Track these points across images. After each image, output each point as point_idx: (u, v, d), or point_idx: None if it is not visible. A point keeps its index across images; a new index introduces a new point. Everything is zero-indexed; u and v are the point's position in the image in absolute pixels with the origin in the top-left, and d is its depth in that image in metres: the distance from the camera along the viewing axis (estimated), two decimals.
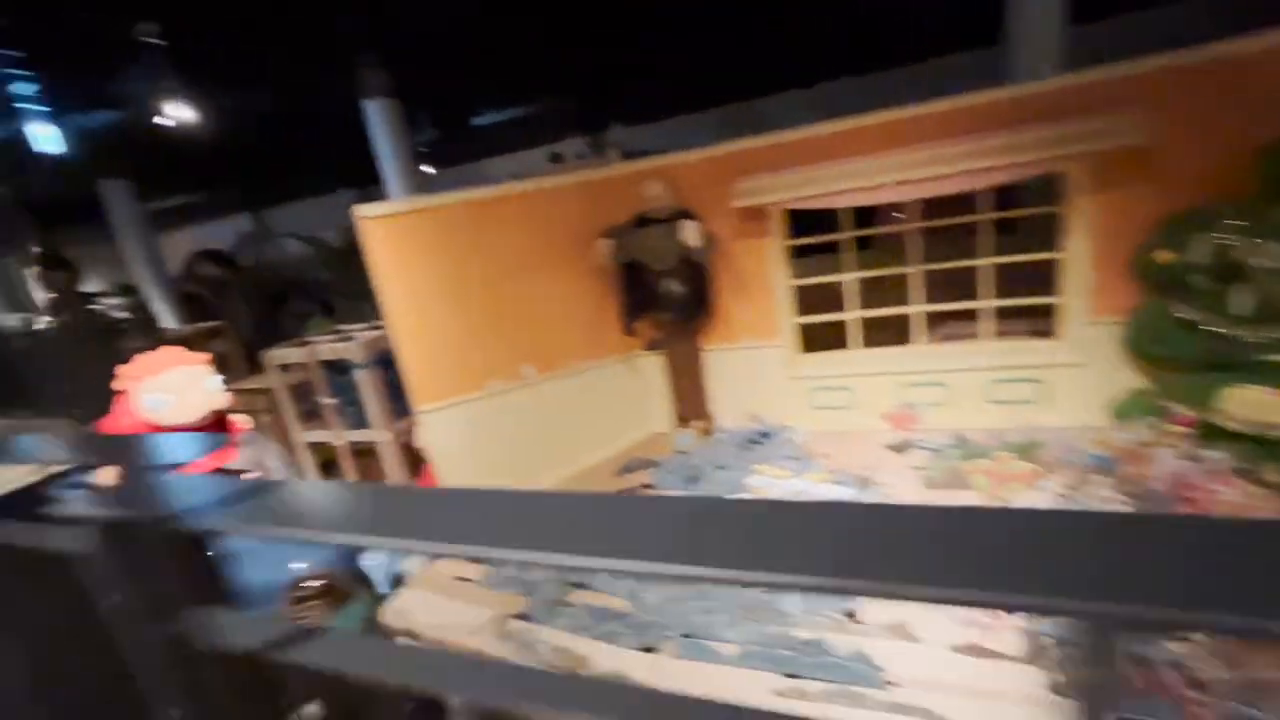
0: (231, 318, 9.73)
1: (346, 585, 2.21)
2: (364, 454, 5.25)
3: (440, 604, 2.59)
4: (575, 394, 3.10)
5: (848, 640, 2.06)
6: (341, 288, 9.57)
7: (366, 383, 4.77)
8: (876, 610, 2.16)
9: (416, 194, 7.45)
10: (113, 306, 9.00)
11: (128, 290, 12.51)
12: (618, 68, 6.75)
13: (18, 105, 5.62)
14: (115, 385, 2.71)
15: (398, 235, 2.64)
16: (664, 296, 2.82)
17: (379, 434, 4.85)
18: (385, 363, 5.04)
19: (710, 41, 6.28)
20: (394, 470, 5.11)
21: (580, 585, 2.59)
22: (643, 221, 2.80)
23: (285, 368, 5.17)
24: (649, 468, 3.12)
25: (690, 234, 2.58)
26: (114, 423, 2.74)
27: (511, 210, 2.80)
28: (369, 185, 14.52)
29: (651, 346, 3.14)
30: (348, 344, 4.72)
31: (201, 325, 7.20)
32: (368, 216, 2.57)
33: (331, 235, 10.45)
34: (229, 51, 5.86)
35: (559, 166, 6.83)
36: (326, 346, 4.94)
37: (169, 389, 2.69)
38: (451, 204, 2.71)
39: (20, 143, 6.59)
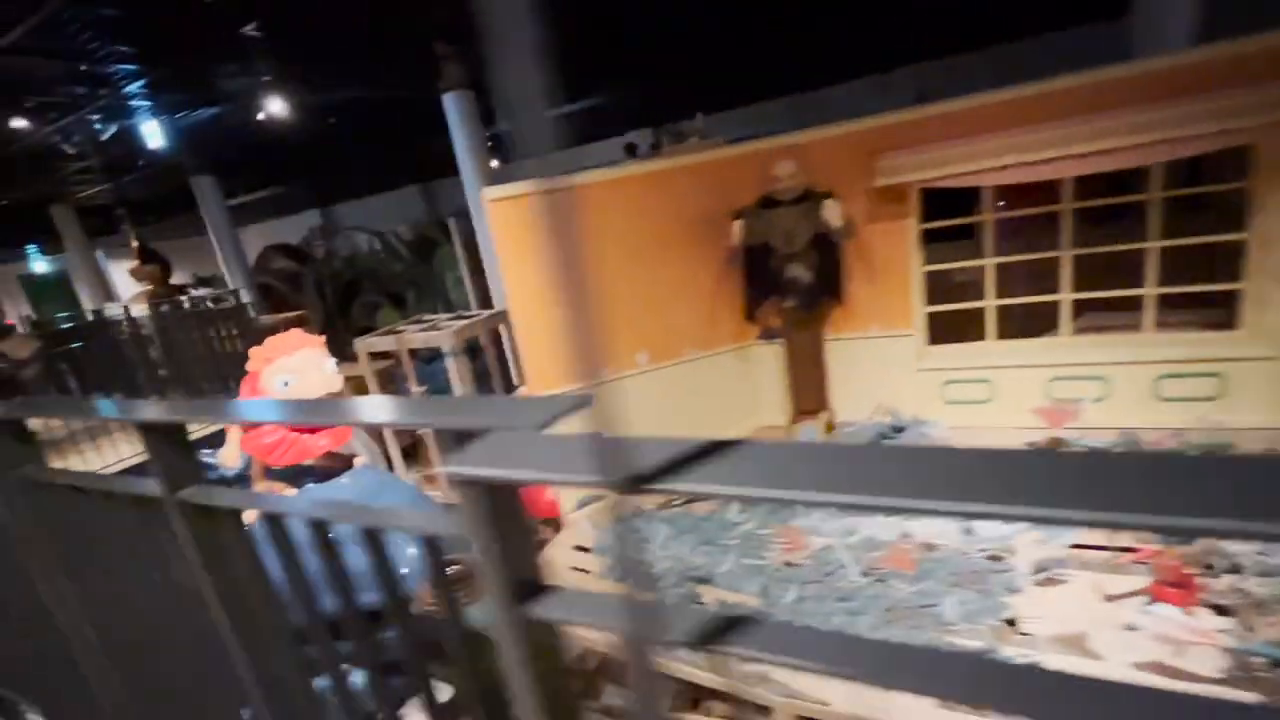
0: (304, 308, 10.08)
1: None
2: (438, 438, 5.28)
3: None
4: (685, 384, 3.01)
5: (1015, 654, 1.90)
6: (412, 279, 9.76)
7: (455, 371, 4.81)
8: (1039, 622, 2.00)
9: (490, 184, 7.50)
10: (202, 297, 9.41)
11: (207, 281, 13.10)
12: (699, 56, 6.63)
13: (123, 103, 5.89)
14: (249, 365, 2.76)
15: (520, 217, 2.59)
16: (789, 282, 2.69)
17: None
18: (472, 352, 5.08)
19: (803, 24, 6.10)
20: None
21: (703, 580, 2.50)
22: (769, 203, 2.68)
23: (375, 356, 5.27)
24: None
25: (832, 213, 2.45)
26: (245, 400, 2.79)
27: (631, 192, 2.72)
28: (431, 180, 14.85)
29: (766, 335, 3.01)
30: (439, 333, 4.76)
31: (287, 314, 7.43)
32: (494, 198, 2.53)
33: (401, 229, 10.68)
34: (317, 45, 6.00)
35: (633, 159, 6.75)
36: (418, 335, 5.00)
37: (295, 370, 2.72)
38: (574, 185, 2.64)
39: (123, 141, 6.93)
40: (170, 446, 0.98)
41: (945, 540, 2.18)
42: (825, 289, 2.69)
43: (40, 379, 6.07)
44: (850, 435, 2.71)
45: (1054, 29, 5.92)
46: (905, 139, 2.49)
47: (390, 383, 5.60)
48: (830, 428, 2.79)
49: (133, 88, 5.59)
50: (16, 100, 5.52)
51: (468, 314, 5.40)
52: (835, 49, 6.46)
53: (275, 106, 5.97)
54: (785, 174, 2.58)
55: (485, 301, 8.56)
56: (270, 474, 2.87)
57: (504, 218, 2.57)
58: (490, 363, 5.17)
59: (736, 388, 3.13)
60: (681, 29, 6.94)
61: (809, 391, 2.89)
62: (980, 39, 6.59)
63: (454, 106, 7.24)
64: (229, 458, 2.78)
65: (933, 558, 2.13)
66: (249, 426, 2.83)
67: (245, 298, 8.61)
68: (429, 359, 5.42)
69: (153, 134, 6.11)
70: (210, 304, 6.94)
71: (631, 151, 6.78)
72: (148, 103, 5.93)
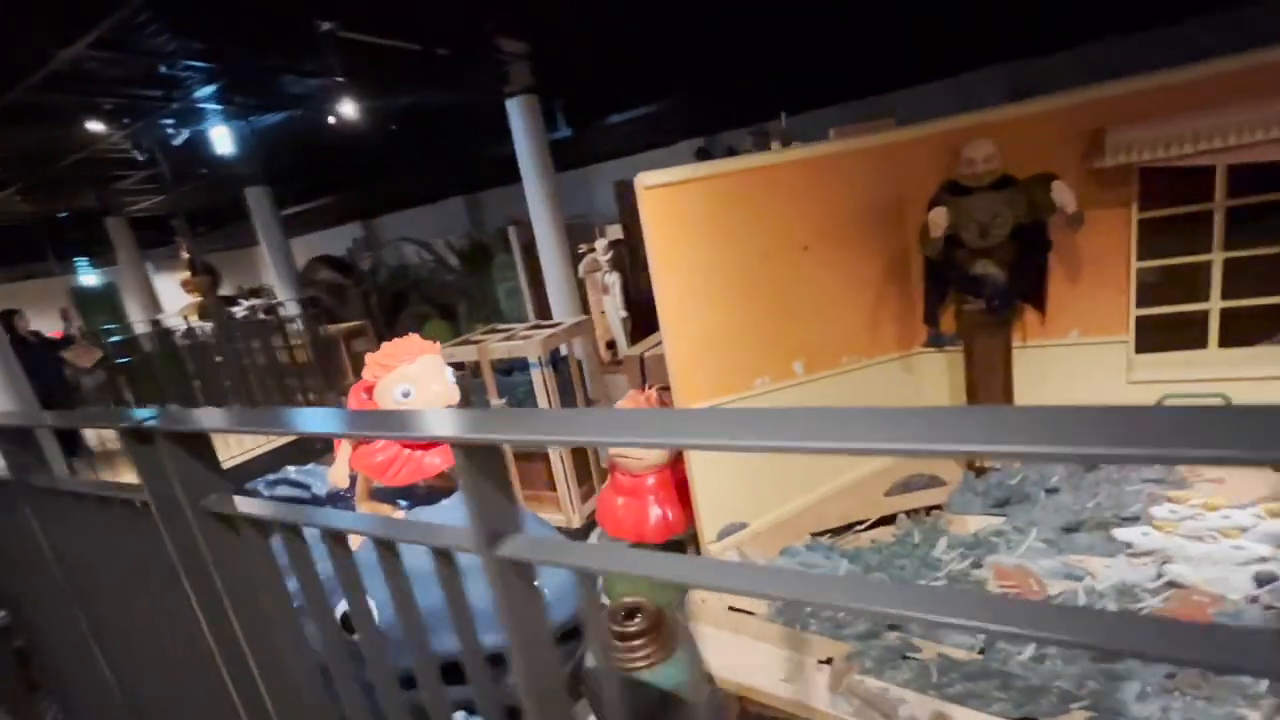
0: (350, 320, 9.89)
1: (671, 625, 1.83)
2: (525, 457, 4.99)
3: (724, 641, 2.19)
4: (843, 397, 2.66)
5: None
6: (463, 290, 9.56)
7: (541, 383, 4.50)
8: None
9: (553, 192, 7.27)
10: (255, 308, 9.30)
11: (256, 293, 13.08)
12: (783, 56, 6.35)
13: (192, 106, 5.76)
14: (365, 373, 2.48)
15: (675, 208, 2.29)
16: (977, 280, 2.34)
17: None
18: (555, 363, 4.78)
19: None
20: (561, 478, 4.82)
21: (894, 627, 2.13)
22: (955, 189, 2.34)
23: (453, 367, 4.99)
24: (933, 486, 2.64)
25: (1065, 196, 2.09)
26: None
27: (792, 180, 2.40)
28: (477, 191, 14.77)
29: (935, 341, 2.66)
30: (524, 342, 4.47)
31: (346, 325, 7.24)
32: (648, 185, 2.23)
33: (453, 239, 10.53)
34: (380, 49, 5.86)
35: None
36: (500, 345, 4.72)
37: (416, 378, 2.43)
38: (731, 172, 2.34)
39: (186, 149, 6.83)
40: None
41: (1232, 589, 1.80)
42: (1021, 288, 2.33)
43: (102, 388, 5.93)
44: None
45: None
46: (1128, 113, 2.14)
47: (467, 395, 5.34)
48: None
49: (203, 90, 5.45)
50: (90, 104, 5.41)
51: (546, 323, 5.14)
52: (919, 47, 6.12)
53: (345, 109, 5.79)
54: (981, 156, 2.24)
55: (543, 313, 8.30)
56: (374, 494, 2.57)
57: (660, 207, 2.26)
58: (573, 374, 4.87)
59: (897, 401, 2.77)
60: (752, 29, 6.67)
61: (982, 403, 2.51)
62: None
63: (519, 111, 7.04)
64: (338, 476, 2.49)
65: (1224, 610, 1.75)
66: (360, 442, 2.55)
67: (295, 309, 8.46)
68: (507, 370, 5.14)
69: (220, 139, 5.96)
70: (264, 314, 6.77)
71: (705, 156, 6.49)
72: (217, 105, 5.79)
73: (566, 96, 8.01)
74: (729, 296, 2.43)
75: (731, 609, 2.35)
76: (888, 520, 2.57)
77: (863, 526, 2.56)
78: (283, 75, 5.37)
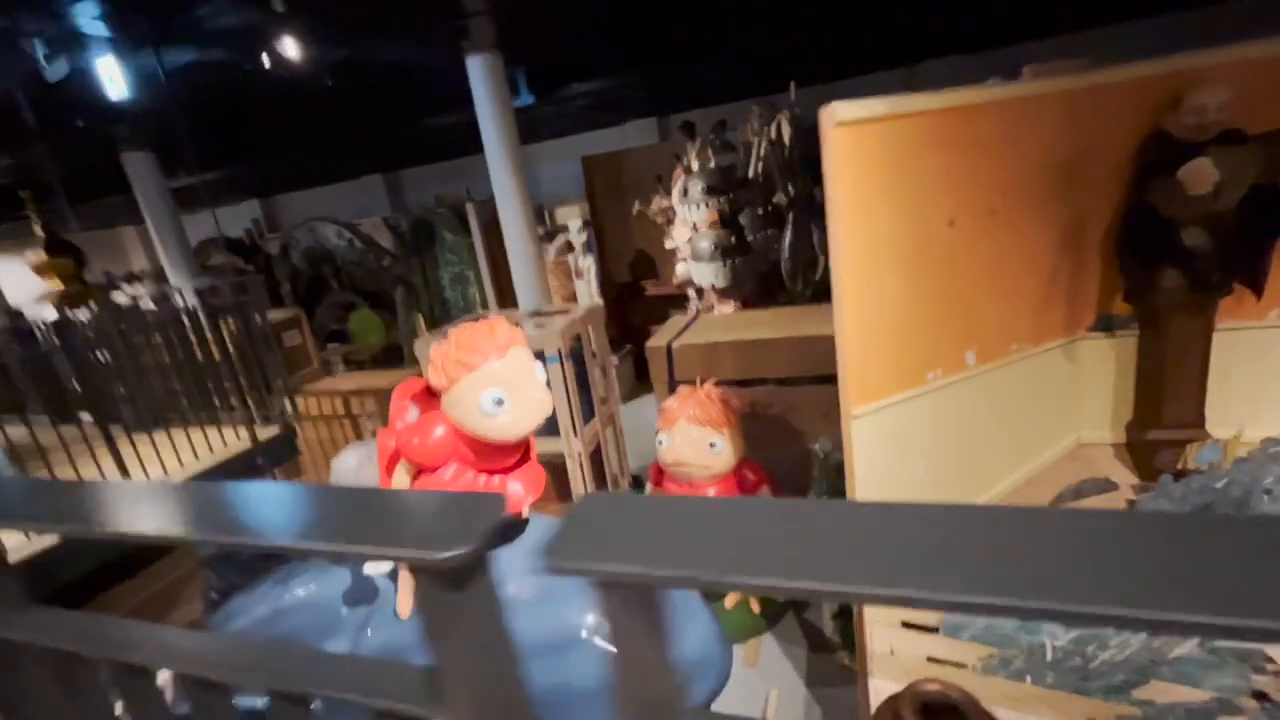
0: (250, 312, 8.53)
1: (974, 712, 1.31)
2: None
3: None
4: (1004, 391, 2.26)
5: None
6: (401, 277, 8.48)
7: (560, 379, 3.83)
8: None
9: (520, 165, 6.48)
10: (141, 296, 7.73)
11: (134, 278, 11.14)
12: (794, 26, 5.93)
13: (70, 35, 4.47)
14: (430, 375, 1.77)
15: (870, 152, 1.76)
16: (1189, 251, 2.00)
17: (570, 443, 3.92)
18: (576, 357, 4.10)
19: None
20: (580, 488, 4.17)
21: (1138, 676, 1.75)
22: (1167, 145, 1.98)
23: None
24: (1108, 491, 2.30)
25: None
26: (418, 433, 1.79)
27: (993, 127, 1.94)
28: (399, 168, 13.39)
29: (1104, 325, 2.32)
30: (540, 333, 3.76)
31: (277, 314, 6.09)
32: (843, 120, 1.68)
33: (389, 218, 9.34)
34: None
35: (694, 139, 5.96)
36: None
37: (509, 381, 1.76)
38: (940, 110, 1.84)
39: (46, 94, 5.39)
40: None
41: None
42: (1239, 262, 2.01)
43: None
44: (1272, 457, 2.04)
45: None
46: None
47: None
48: (1237, 443, 2.11)
49: (84, 5, 4.18)
50: None
51: (554, 310, 4.43)
52: (935, 22, 5.92)
53: (278, 50, 4.73)
54: (1215, 104, 1.88)
55: (506, 302, 7.47)
56: None
57: (853, 149, 1.72)
58: (590, 369, 4.21)
59: (1054, 394, 2.41)
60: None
61: (1175, 399, 2.20)
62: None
63: (481, 71, 6.18)
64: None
65: None
66: (422, 470, 1.84)
67: (191, 299, 7.10)
68: None
69: (104, 81, 4.67)
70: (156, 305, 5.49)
71: (688, 131, 5.97)
72: (103, 32, 4.52)
73: (525, 62, 7.20)
74: (909, 271, 1.94)
75: (933, 660, 1.88)
76: None
77: None
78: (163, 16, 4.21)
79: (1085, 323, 2.34)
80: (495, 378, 1.73)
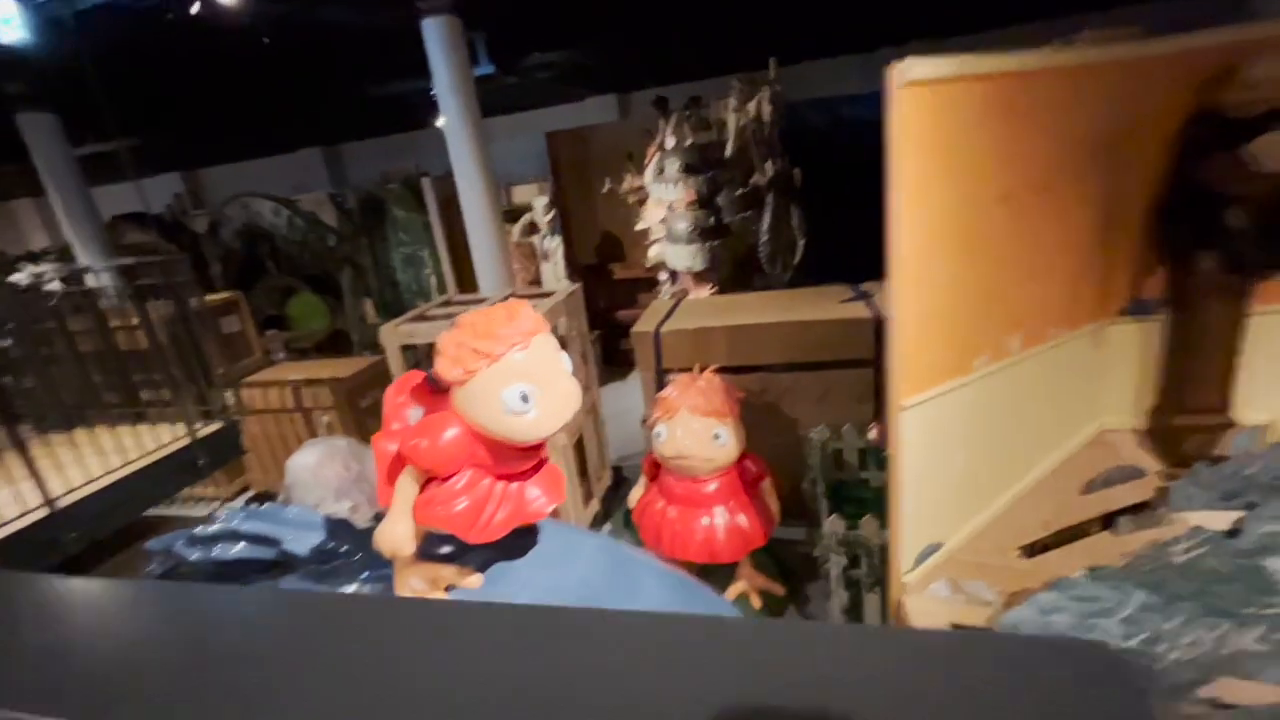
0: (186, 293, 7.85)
1: None
2: None
3: None
4: (1038, 378, 2.17)
5: None
6: (348, 257, 7.91)
7: None
8: None
9: (481, 139, 6.08)
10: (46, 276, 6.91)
11: (34, 257, 10.06)
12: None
13: None
14: (439, 369, 1.51)
15: (938, 116, 1.60)
16: (1234, 233, 1.94)
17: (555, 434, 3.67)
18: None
19: None
20: (571, 490, 3.96)
21: (1209, 668, 1.69)
22: (1214, 121, 1.91)
23: (410, 349, 3.84)
24: (1137, 478, 2.25)
25: None
26: (426, 435, 1.53)
27: (1053, 96, 1.81)
28: (339, 141, 12.56)
29: (1136, 310, 2.26)
30: None
31: (214, 297, 5.53)
32: (914, 79, 1.51)
33: (336, 193, 8.69)
34: None
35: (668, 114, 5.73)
36: None
37: (535, 374, 1.52)
38: (1012, 72, 1.69)
39: None
40: None
41: None
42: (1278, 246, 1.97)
43: None
44: None
45: None
46: None
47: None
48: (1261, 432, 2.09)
49: None
50: None
51: (530, 293, 4.12)
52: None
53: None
54: (1269, 78, 1.81)
55: (466, 286, 7.06)
56: (423, 552, 1.66)
57: (921, 111, 1.55)
58: (570, 355, 3.95)
59: (1081, 381, 2.34)
60: None
61: (1205, 383, 2.17)
62: None
63: (438, 36, 5.75)
64: (399, 541, 1.50)
65: None
66: (431, 478, 1.59)
67: (106, 279, 6.45)
68: None
69: (4, 19, 4.02)
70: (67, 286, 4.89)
71: (662, 106, 5.73)
72: None
73: (485, 27, 6.76)
74: (963, 250, 1.80)
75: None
76: (1075, 530, 2.15)
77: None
78: None
79: (1116, 306, 2.28)
80: (520, 370, 1.48)
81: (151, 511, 3.78)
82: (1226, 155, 1.81)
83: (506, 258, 6.39)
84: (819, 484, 3.49)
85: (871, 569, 2.87)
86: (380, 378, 5.30)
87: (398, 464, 1.63)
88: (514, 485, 1.70)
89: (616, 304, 7.13)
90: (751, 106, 5.13)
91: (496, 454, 1.61)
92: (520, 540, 1.69)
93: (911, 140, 1.57)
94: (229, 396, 4.30)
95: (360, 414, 4.87)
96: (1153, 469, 2.25)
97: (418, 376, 1.72)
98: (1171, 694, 1.66)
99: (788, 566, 3.64)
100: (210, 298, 5.59)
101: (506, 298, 4.40)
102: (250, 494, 5.27)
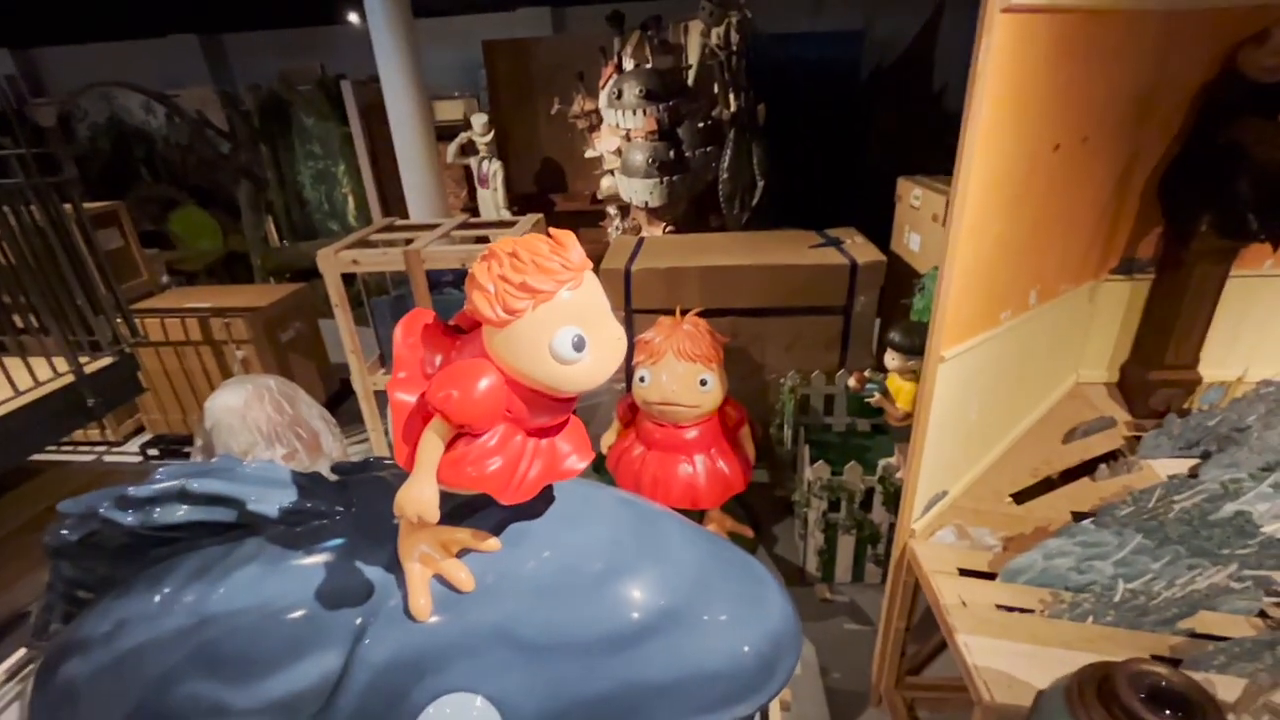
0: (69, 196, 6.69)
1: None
2: None
3: (1006, 651, 1.68)
4: (1041, 332, 2.22)
5: None
6: (246, 169, 6.93)
7: None
8: None
9: (414, 40, 5.39)
10: None
11: None
12: None
13: None
14: (481, 303, 1.27)
15: (1027, 49, 1.48)
16: (1242, 196, 2.01)
17: None
18: None
19: None
20: None
21: (1189, 611, 1.84)
22: (1235, 85, 1.93)
23: (349, 280, 3.41)
24: (1109, 428, 2.39)
25: None
26: (457, 384, 1.30)
27: (1109, 42, 1.74)
28: (229, 32, 10.85)
29: (1127, 268, 2.34)
30: (484, 247, 3.16)
31: (92, 205, 4.66)
32: (1013, 6, 1.37)
33: (231, 91, 7.48)
34: None
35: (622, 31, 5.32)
36: (440, 250, 3.30)
37: (587, 318, 1.33)
38: (1088, 9, 1.59)
39: None
40: None
41: None
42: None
43: None
44: (1267, 397, 2.19)
45: None
46: None
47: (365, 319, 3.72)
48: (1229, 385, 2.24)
49: None
50: None
51: (486, 221, 3.71)
52: None
53: None
54: None
55: (391, 209, 6.37)
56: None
57: (1012, 46, 1.43)
58: None
59: (1069, 337, 2.42)
60: None
61: (1182, 341, 2.30)
62: None
63: None
64: (425, 506, 1.28)
65: None
66: (458, 435, 1.38)
67: None
68: (433, 285, 3.67)
69: None
70: None
71: (618, 22, 5.29)
72: None
73: None
74: (1015, 200, 1.74)
75: (1001, 607, 1.84)
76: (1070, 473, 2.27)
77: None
78: None
79: (1111, 264, 2.35)
80: (573, 312, 1.26)
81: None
82: (1258, 119, 1.84)
83: (440, 180, 5.81)
84: (797, 430, 3.51)
85: (850, 513, 2.94)
86: (302, 308, 4.73)
87: (416, 417, 1.39)
88: (544, 441, 1.51)
89: None
90: (718, 32, 4.82)
91: (534, 406, 1.40)
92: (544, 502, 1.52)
93: (996, 73, 1.45)
94: (122, 326, 3.68)
95: (281, 349, 4.34)
96: (1123, 420, 2.40)
97: (427, 315, 1.46)
98: (1156, 626, 1.80)
99: (753, 509, 3.68)
100: (88, 207, 4.68)
101: (462, 224, 3.99)
102: (147, 437, 4.64)
